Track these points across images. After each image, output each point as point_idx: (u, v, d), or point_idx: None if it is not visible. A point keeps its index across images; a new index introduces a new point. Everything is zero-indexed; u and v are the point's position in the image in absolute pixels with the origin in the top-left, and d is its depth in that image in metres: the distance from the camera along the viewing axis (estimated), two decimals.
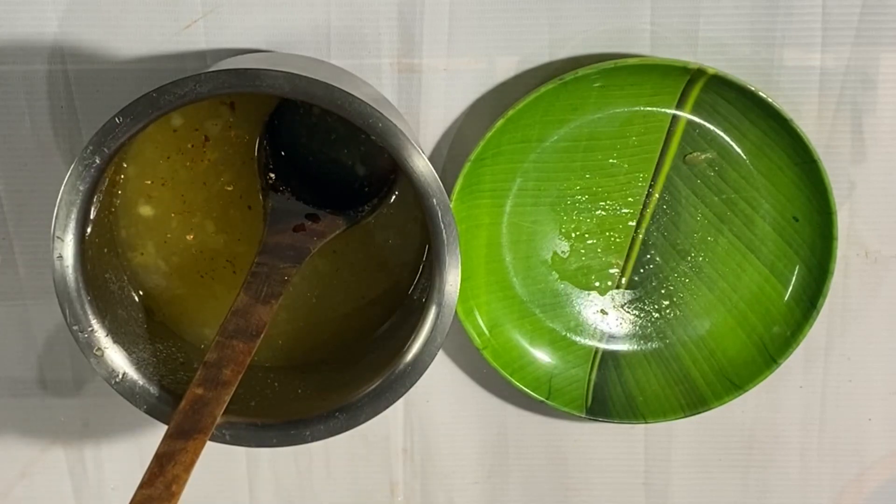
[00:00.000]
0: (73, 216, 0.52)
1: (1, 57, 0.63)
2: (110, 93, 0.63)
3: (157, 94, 0.50)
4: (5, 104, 0.64)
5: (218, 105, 0.59)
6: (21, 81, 0.63)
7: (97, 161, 0.51)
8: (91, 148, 0.51)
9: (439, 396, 0.72)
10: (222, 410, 0.51)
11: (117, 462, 0.73)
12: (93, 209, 0.54)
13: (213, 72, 0.51)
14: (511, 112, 0.62)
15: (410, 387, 0.56)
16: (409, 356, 0.56)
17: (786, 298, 0.67)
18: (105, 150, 0.51)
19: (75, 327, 0.54)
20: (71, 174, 0.51)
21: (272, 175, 0.60)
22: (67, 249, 0.53)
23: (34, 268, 0.68)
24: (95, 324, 0.54)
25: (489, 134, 0.62)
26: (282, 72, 0.51)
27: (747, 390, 0.67)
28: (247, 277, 0.54)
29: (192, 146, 0.60)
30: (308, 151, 0.61)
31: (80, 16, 0.62)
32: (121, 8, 0.62)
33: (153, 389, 0.56)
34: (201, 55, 0.63)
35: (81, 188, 0.52)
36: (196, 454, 0.49)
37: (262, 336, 0.53)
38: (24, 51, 0.63)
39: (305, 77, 0.51)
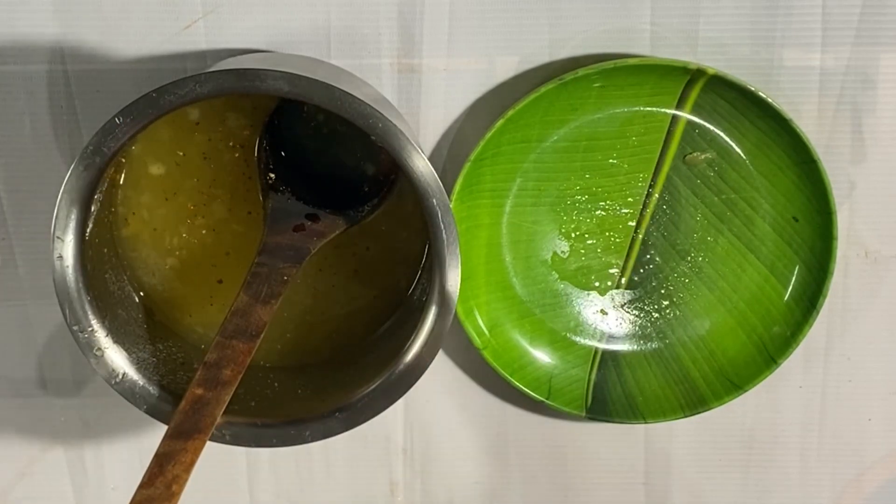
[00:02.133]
0: (73, 216, 0.52)
1: (1, 57, 0.63)
2: (110, 93, 0.63)
3: (157, 94, 0.50)
4: (5, 104, 0.64)
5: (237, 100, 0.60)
6: (21, 81, 0.63)
7: (97, 161, 0.51)
8: (91, 148, 0.51)
9: (439, 396, 0.72)
10: (222, 410, 0.51)
11: (117, 462, 0.73)
12: (93, 209, 0.54)
13: (213, 72, 0.51)
14: (511, 112, 0.62)
15: (410, 387, 0.56)
16: (409, 356, 0.56)
17: (786, 298, 0.67)
18: (105, 150, 0.51)
19: (75, 327, 0.54)
20: (71, 174, 0.51)
21: (272, 175, 0.60)
22: (67, 249, 0.53)
23: (34, 268, 0.68)
24: (95, 324, 0.54)
25: (489, 134, 0.62)
26: (282, 72, 0.51)
27: (747, 390, 0.67)
28: (247, 277, 0.54)
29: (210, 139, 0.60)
30: (308, 151, 0.61)
31: (80, 16, 0.62)
32: (121, 8, 0.62)
33: (153, 389, 0.56)
34: (201, 55, 0.63)
35: (82, 188, 0.52)
36: (196, 454, 0.49)
37: (262, 336, 0.53)
38: (24, 51, 0.63)
39: (305, 77, 0.51)
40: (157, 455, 0.49)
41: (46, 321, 0.69)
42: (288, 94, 0.51)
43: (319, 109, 0.59)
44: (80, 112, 0.64)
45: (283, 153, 0.60)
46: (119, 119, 0.51)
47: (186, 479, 0.49)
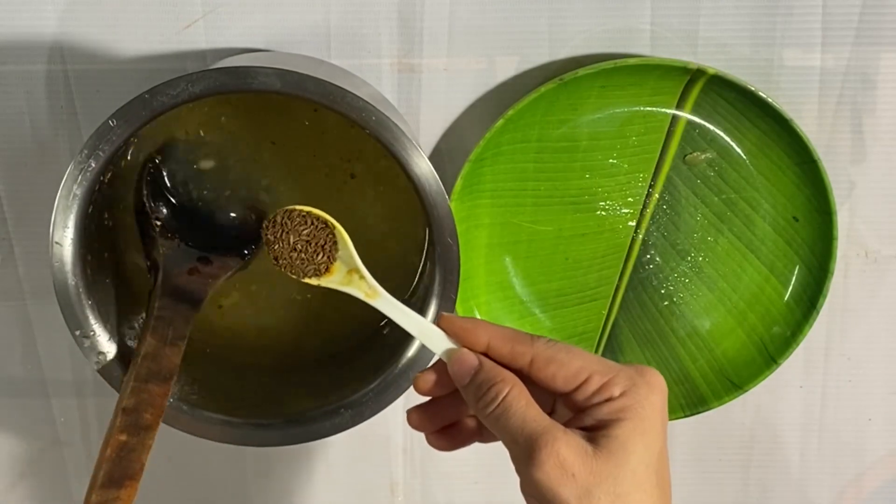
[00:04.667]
0: (71, 221, 0.52)
1: (1, 57, 0.63)
2: (110, 93, 0.63)
3: (149, 95, 0.50)
4: (5, 104, 0.64)
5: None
6: (21, 81, 0.63)
7: (92, 165, 0.51)
8: (86, 152, 0.51)
9: None
10: (148, 455, 0.49)
11: None
12: (91, 211, 0.54)
13: (205, 71, 0.50)
14: (511, 112, 0.61)
15: (409, 385, 0.56)
16: (409, 355, 0.56)
17: (786, 298, 0.67)
18: (100, 153, 0.51)
19: (77, 332, 0.54)
20: (67, 179, 0.51)
21: (158, 222, 0.59)
22: (66, 254, 0.52)
23: (34, 268, 0.68)
24: (97, 328, 0.54)
25: (489, 134, 0.62)
26: (274, 68, 0.50)
27: (747, 390, 0.67)
28: (150, 322, 0.53)
29: None
30: (193, 198, 0.60)
31: (79, 16, 0.62)
32: (121, 8, 0.62)
33: None
34: (201, 55, 0.63)
35: (78, 192, 0.52)
36: (129, 501, 0.47)
37: (174, 377, 0.51)
38: (23, 51, 0.63)
39: (297, 73, 0.50)
40: None
41: (46, 321, 0.69)
42: (280, 90, 0.50)
43: (198, 157, 0.58)
44: (80, 112, 0.64)
45: (171, 200, 0.59)
46: (113, 122, 0.50)
47: None
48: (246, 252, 0.60)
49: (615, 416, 0.44)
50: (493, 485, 0.74)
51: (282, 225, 0.49)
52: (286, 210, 0.49)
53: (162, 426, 0.55)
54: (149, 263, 0.58)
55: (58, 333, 0.69)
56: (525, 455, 0.44)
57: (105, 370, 0.54)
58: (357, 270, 0.49)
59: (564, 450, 0.43)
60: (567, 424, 0.45)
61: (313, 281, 0.49)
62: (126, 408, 0.49)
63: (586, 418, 0.45)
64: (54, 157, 0.65)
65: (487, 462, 0.73)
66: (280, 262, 0.49)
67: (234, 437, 0.56)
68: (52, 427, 0.72)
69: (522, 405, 0.45)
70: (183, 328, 0.53)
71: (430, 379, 0.49)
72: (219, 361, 0.62)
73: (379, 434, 0.72)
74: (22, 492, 0.74)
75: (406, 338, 0.56)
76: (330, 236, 0.49)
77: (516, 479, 0.74)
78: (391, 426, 0.72)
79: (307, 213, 0.49)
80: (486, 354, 0.47)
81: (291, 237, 0.49)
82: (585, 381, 0.45)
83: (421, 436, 0.72)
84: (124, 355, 0.55)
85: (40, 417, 0.72)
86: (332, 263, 0.49)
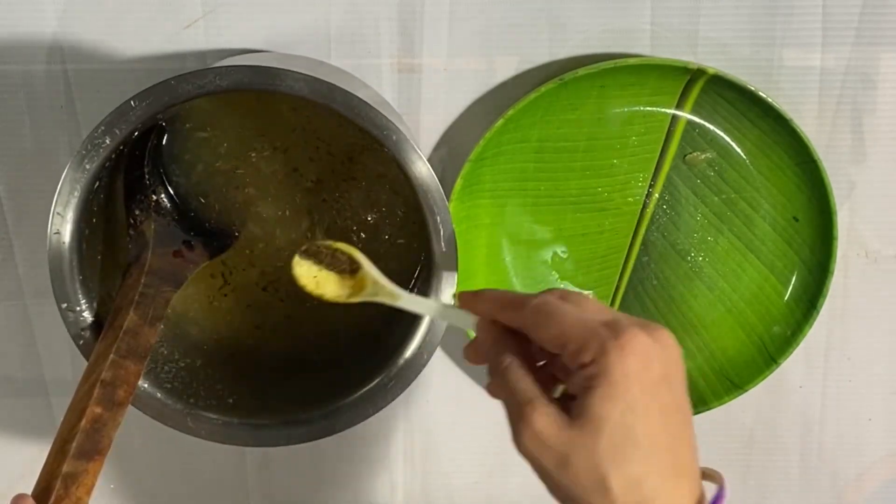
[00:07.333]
0: (77, 194, 0.52)
1: (1, 57, 0.63)
2: (110, 93, 0.63)
3: (175, 81, 0.50)
4: (5, 104, 0.64)
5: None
6: (21, 81, 0.63)
7: (107, 141, 0.51)
8: (102, 128, 0.51)
9: (439, 396, 0.72)
10: (116, 433, 0.49)
11: (116, 461, 0.73)
12: (97, 188, 0.53)
13: (234, 66, 0.50)
14: (511, 112, 0.61)
15: (409, 384, 0.56)
16: (407, 354, 0.56)
17: (786, 298, 0.67)
18: (116, 131, 0.51)
19: (64, 305, 0.54)
20: (79, 152, 0.51)
21: (154, 197, 0.59)
22: (66, 226, 0.52)
23: (34, 268, 0.68)
24: (84, 304, 0.54)
25: (489, 134, 0.62)
26: (303, 74, 0.50)
27: (747, 390, 0.67)
28: (136, 298, 0.53)
29: None
30: (189, 182, 0.60)
31: (79, 15, 0.62)
32: (121, 8, 0.62)
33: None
34: (201, 55, 0.63)
35: (88, 166, 0.51)
36: (95, 477, 0.47)
37: (148, 358, 0.52)
38: (23, 50, 0.63)
39: (325, 82, 0.51)
40: (64, 476, 0.47)
41: (46, 321, 0.69)
42: (307, 95, 0.50)
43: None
44: (80, 112, 0.64)
45: (168, 180, 0.60)
46: (134, 102, 0.50)
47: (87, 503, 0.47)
48: (226, 242, 0.60)
49: (586, 384, 0.44)
50: (493, 485, 0.74)
51: (306, 262, 0.52)
52: (303, 249, 0.51)
53: (162, 426, 0.55)
54: (132, 234, 0.58)
55: (58, 333, 0.69)
56: (512, 424, 0.46)
57: (85, 347, 0.54)
58: (377, 282, 0.52)
59: (540, 422, 0.44)
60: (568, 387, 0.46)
61: (347, 300, 0.52)
62: (104, 380, 0.50)
63: (571, 384, 0.46)
64: (54, 157, 0.65)
65: (487, 462, 0.73)
66: (315, 295, 0.52)
67: (234, 437, 0.56)
68: (52, 427, 0.72)
69: (516, 377, 0.47)
70: (162, 310, 0.54)
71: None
72: (216, 362, 0.62)
73: (379, 434, 0.72)
74: (22, 492, 0.74)
75: (404, 340, 0.56)
76: (348, 259, 0.52)
77: (516, 480, 0.74)
78: (391, 426, 0.72)
79: (324, 246, 0.52)
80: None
81: (317, 270, 0.52)
82: (563, 347, 0.45)
83: (421, 436, 0.73)
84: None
85: (40, 417, 0.72)
86: (358, 282, 0.52)
